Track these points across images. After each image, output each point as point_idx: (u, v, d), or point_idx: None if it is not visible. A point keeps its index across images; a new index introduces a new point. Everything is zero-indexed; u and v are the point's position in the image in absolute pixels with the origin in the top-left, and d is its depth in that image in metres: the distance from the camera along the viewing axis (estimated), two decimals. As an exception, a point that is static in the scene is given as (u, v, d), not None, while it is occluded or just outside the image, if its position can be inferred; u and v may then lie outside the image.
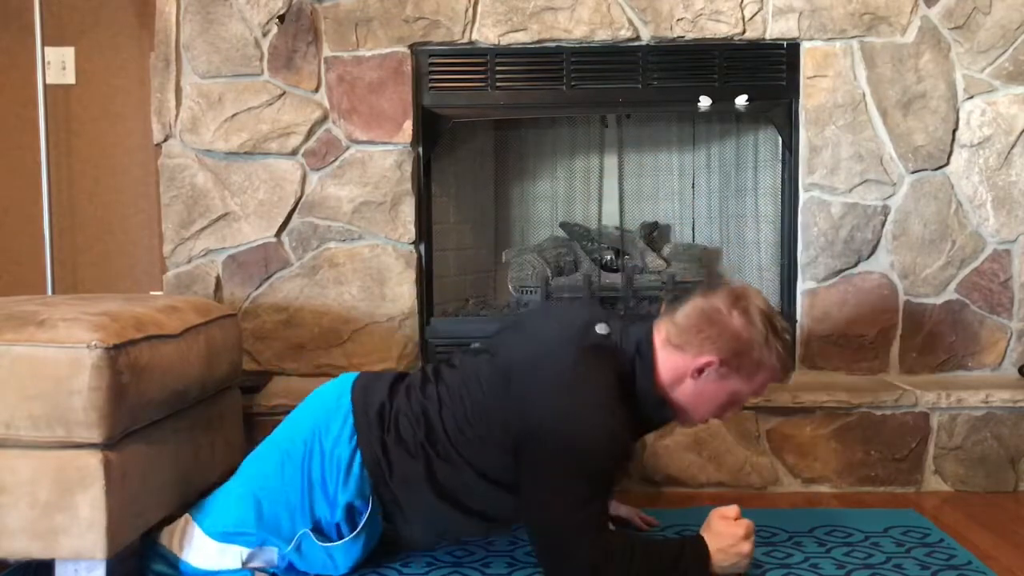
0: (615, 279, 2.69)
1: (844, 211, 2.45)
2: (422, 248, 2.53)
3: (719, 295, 1.63)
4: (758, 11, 2.42)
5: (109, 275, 2.92)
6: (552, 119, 2.84)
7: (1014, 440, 2.24)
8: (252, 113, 2.46)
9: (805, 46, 2.44)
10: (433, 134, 2.50)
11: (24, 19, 2.79)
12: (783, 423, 2.26)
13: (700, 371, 1.60)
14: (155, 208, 2.71)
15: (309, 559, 1.64)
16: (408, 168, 2.48)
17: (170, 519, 1.71)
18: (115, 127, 2.90)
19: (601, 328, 1.65)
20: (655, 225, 2.87)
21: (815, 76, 2.44)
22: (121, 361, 1.51)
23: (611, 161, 2.80)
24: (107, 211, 2.92)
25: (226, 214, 2.50)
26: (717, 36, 2.44)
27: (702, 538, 1.58)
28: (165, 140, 2.48)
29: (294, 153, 2.48)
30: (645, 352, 1.63)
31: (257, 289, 2.51)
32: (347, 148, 2.48)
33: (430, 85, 2.49)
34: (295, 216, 2.49)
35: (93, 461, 1.49)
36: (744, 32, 2.43)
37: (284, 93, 2.47)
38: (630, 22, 2.44)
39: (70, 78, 2.88)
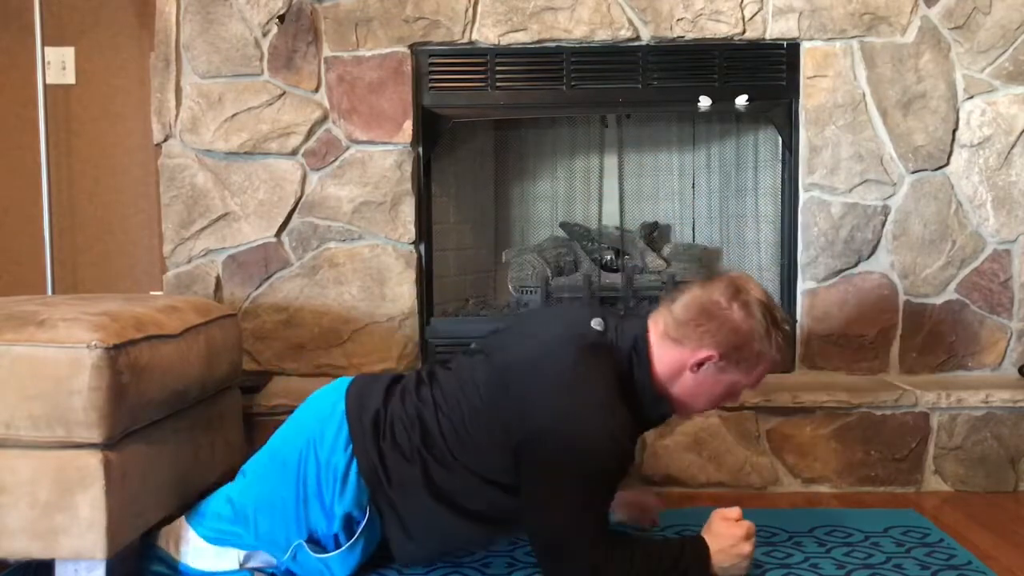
0: (615, 279, 2.69)
1: (844, 211, 2.45)
2: (422, 248, 2.53)
3: (718, 287, 1.62)
4: (758, 11, 2.42)
5: (109, 275, 2.92)
6: (552, 119, 2.84)
7: (1014, 440, 2.24)
8: (252, 113, 2.46)
9: (805, 46, 2.44)
10: (433, 134, 2.50)
11: (24, 19, 2.79)
12: (783, 423, 2.26)
13: (699, 365, 1.60)
14: (155, 208, 2.71)
15: (306, 568, 1.62)
16: (408, 168, 2.48)
17: (169, 520, 1.71)
18: (115, 127, 2.90)
19: (596, 324, 1.64)
20: (655, 225, 2.87)
21: (815, 76, 2.44)
22: (121, 361, 1.51)
23: (611, 161, 2.80)
24: (107, 211, 2.92)
25: (226, 214, 2.50)
26: (717, 36, 2.44)
27: (702, 539, 1.58)
28: (165, 140, 2.48)
29: (294, 153, 2.48)
30: (641, 347, 1.62)
31: (257, 289, 2.51)
32: (347, 148, 2.48)
33: (430, 85, 2.49)
34: (295, 216, 2.49)
35: (93, 461, 1.49)
36: (744, 32, 2.43)
37: (284, 93, 2.47)
38: (630, 22, 2.44)
39: (70, 78, 2.88)
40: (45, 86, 2.76)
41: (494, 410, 1.57)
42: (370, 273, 2.50)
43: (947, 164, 2.44)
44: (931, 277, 2.45)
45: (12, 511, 1.49)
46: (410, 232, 2.49)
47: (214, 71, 2.46)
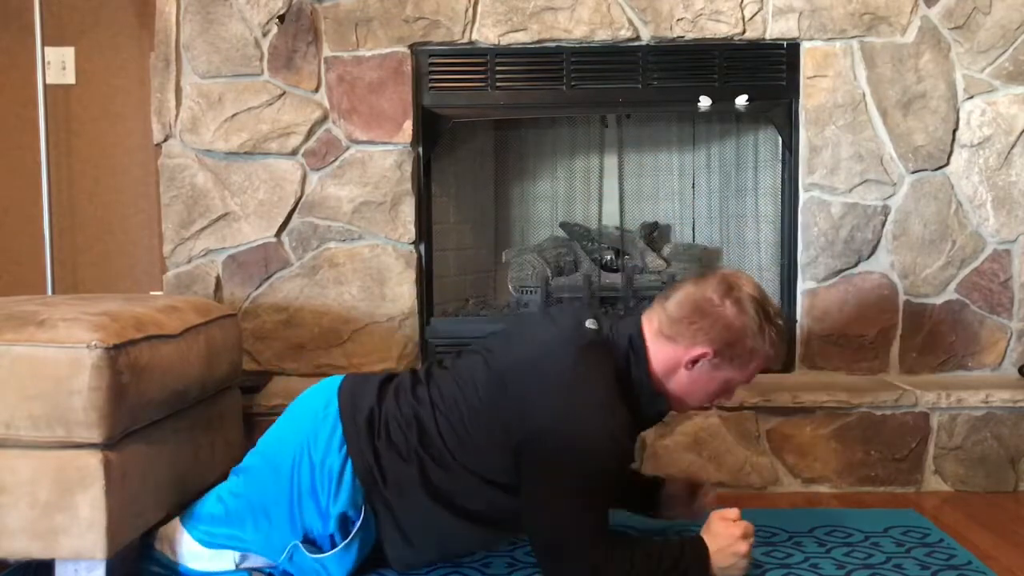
0: (615, 279, 2.69)
1: (844, 211, 2.45)
2: (422, 248, 2.53)
3: (710, 283, 1.62)
4: (758, 11, 2.42)
5: (109, 275, 2.92)
6: (552, 119, 2.84)
7: (1014, 440, 2.24)
8: (252, 113, 2.46)
9: (805, 46, 2.44)
10: (433, 134, 2.50)
11: (24, 19, 2.79)
12: (783, 423, 2.26)
13: (694, 362, 1.60)
14: (155, 208, 2.71)
15: (302, 568, 1.62)
16: (408, 168, 2.48)
17: (167, 520, 1.71)
18: (115, 127, 2.90)
19: (590, 323, 1.64)
20: (655, 225, 2.87)
21: (815, 76, 2.44)
22: (121, 361, 1.51)
23: (611, 161, 2.80)
24: (107, 211, 2.92)
25: (226, 214, 2.50)
26: (717, 36, 2.44)
27: (702, 539, 1.58)
28: (165, 140, 2.48)
29: (294, 153, 2.48)
30: (637, 345, 1.63)
31: (257, 289, 2.51)
32: (347, 148, 2.48)
33: (430, 85, 2.49)
34: (295, 216, 2.49)
35: (93, 461, 1.49)
36: (744, 32, 2.43)
37: (284, 93, 2.47)
38: (630, 22, 2.44)
39: (70, 78, 2.88)
40: (45, 86, 2.76)
41: (494, 410, 1.57)
42: (370, 273, 2.50)
43: (947, 164, 2.44)
44: (931, 277, 2.45)
45: (12, 511, 1.50)
46: (410, 232, 2.49)
47: (214, 71, 2.46)
